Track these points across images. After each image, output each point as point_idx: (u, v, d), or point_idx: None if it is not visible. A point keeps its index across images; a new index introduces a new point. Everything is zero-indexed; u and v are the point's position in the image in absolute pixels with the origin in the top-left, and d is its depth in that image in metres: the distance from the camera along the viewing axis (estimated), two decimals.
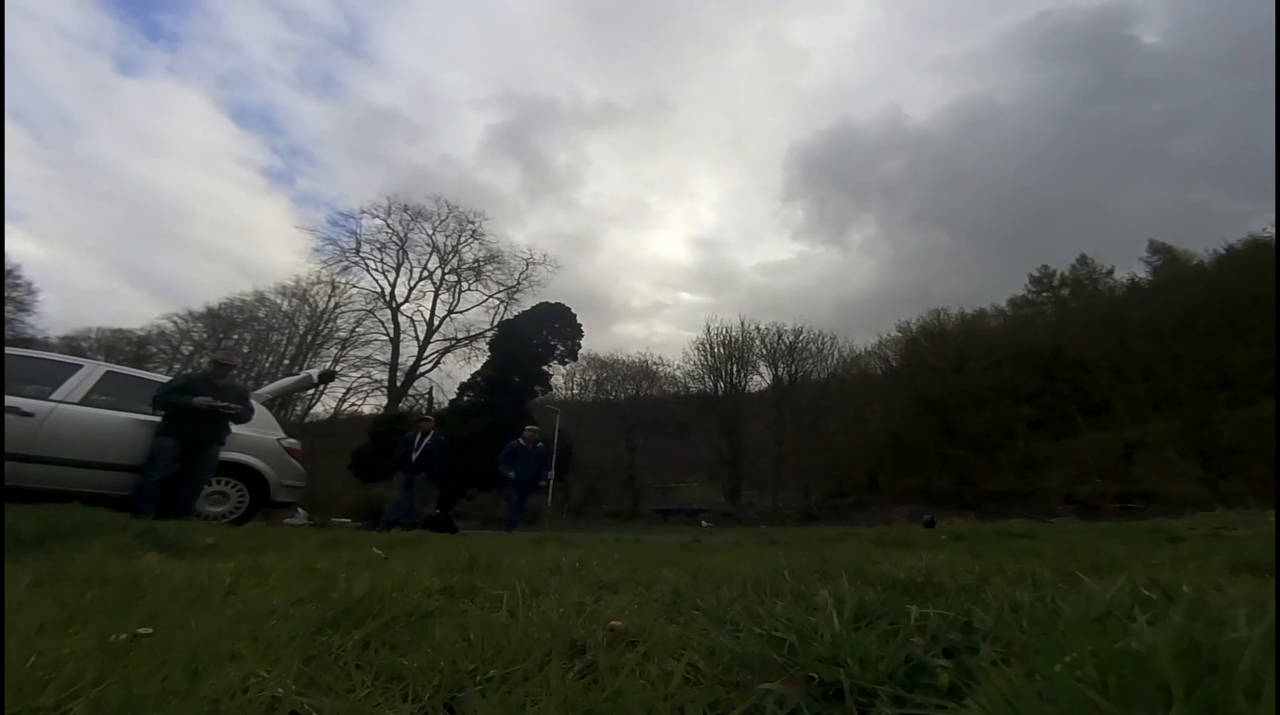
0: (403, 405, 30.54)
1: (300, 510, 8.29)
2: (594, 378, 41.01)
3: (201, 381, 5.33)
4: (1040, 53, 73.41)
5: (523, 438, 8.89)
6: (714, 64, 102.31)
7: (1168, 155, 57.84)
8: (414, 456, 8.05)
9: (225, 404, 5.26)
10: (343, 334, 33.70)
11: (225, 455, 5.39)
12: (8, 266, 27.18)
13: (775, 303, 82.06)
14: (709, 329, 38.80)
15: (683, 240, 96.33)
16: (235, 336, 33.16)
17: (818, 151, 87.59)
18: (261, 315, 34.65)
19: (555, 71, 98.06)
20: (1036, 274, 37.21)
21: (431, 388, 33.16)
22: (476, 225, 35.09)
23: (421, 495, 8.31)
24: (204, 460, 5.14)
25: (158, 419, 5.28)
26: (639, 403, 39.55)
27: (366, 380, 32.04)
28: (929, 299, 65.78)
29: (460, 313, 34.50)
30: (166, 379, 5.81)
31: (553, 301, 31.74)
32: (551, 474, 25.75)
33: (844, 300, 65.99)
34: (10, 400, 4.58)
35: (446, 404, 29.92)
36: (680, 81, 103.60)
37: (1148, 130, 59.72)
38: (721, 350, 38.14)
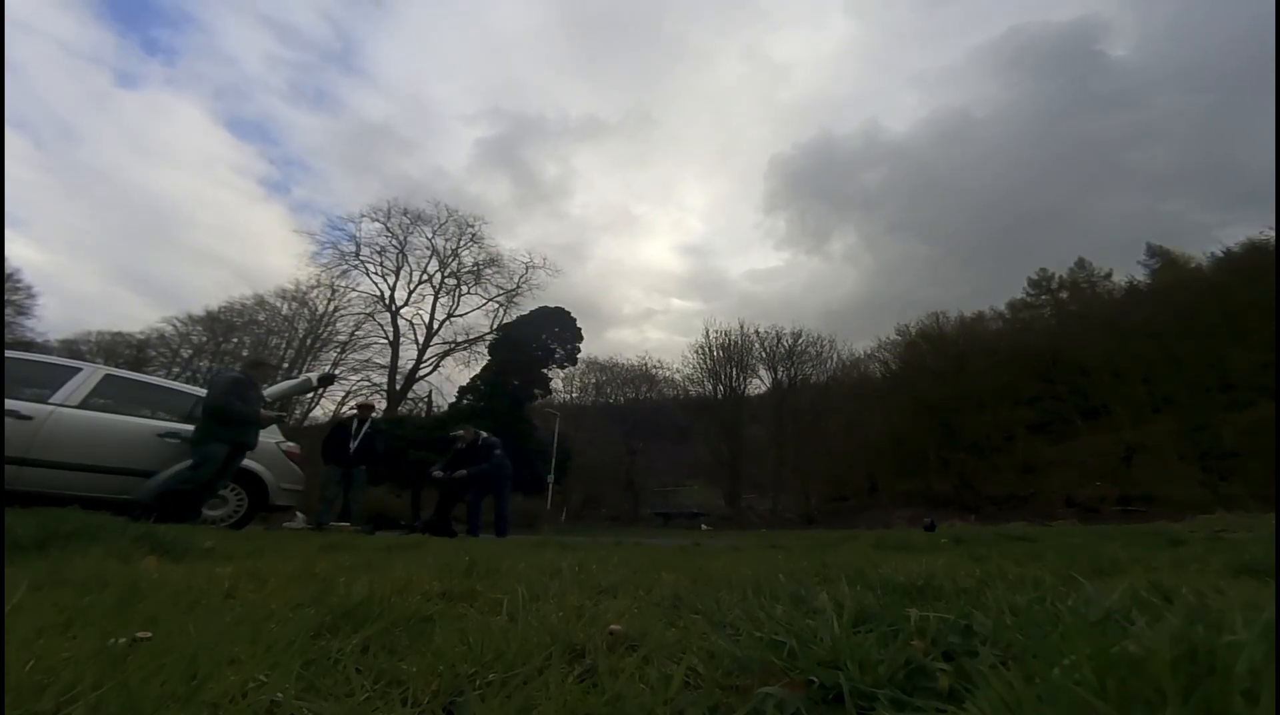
0: (402, 409, 30.50)
1: (299, 514, 8.15)
2: (593, 381, 41.05)
3: (250, 386, 5.25)
4: (1014, 67, 75.43)
5: (459, 443, 7.84)
6: (698, 78, 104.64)
7: (1138, 166, 59.48)
8: (353, 446, 7.18)
9: (279, 414, 5.22)
10: (342, 337, 33.69)
11: None
12: (7, 270, 27.21)
13: (765, 309, 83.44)
14: (708, 332, 38.89)
15: (672, 248, 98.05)
16: (235, 340, 33.13)
17: (798, 164, 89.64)
18: (261, 319, 34.65)
19: (542, 86, 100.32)
20: (1035, 277, 37.23)
21: (431, 391, 33.16)
22: (476, 229, 35.16)
23: (362, 491, 7.37)
24: (232, 466, 5.11)
25: (158, 422, 5.27)
26: (638, 406, 39.54)
27: (366, 384, 31.97)
28: (910, 307, 67.36)
29: (460, 316, 34.53)
30: (167, 382, 5.79)
31: (552, 306, 31.72)
32: (551, 477, 25.95)
33: (829, 307, 67.71)
34: (9, 403, 4.57)
35: (446, 407, 29.90)
36: (665, 95, 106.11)
37: (1118, 141, 61.53)
38: (720, 353, 38.19)
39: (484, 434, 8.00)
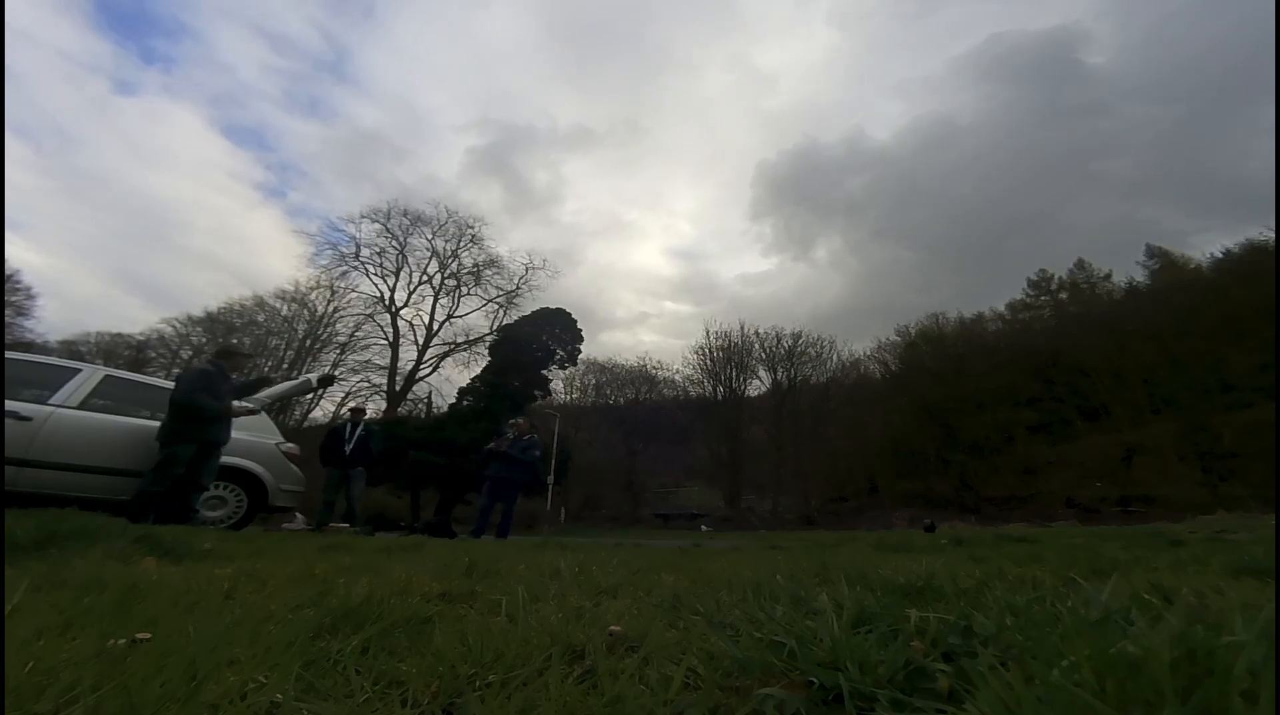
0: (401, 410, 30.50)
1: (298, 515, 8.14)
2: (593, 382, 41.05)
3: (221, 379, 5.10)
4: (994, 75, 76.31)
5: (511, 431, 7.81)
6: (684, 87, 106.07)
7: (1114, 172, 60.28)
8: (348, 449, 7.41)
9: (248, 406, 5.14)
10: (342, 338, 33.77)
11: (224, 460, 5.35)
12: (7, 272, 27.23)
13: (757, 313, 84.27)
14: (708, 333, 38.93)
15: (663, 252, 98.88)
16: (234, 341, 33.10)
17: (783, 171, 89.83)
18: (260, 320, 34.70)
19: (531, 96, 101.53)
20: (1034, 277, 37.26)
21: (430, 392, 33.16)
22: (476, 230, 35.22)
23: (362, 492, 7.59)
24: (210, 463, 4.95)
25: (157, 423, 5.25)
26: (638, 407, 39.52)
27: (365, 385, 32.03)
28: (897, 312, 68.31)
29: (460, 317, 34.56)
30: (167, 382, 5.77)
31: (552, 307, 31.73)
32: (550, 478, 25.93)
33: (819, 311, 68.78)
34: (9, 404, 4.57)
35: (445, 408, 29.88)
36: (652, 103, 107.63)
37: (1095, 148, 62.37)
38: (720, 354, 38.19)
39: (534, 434, 8.14)
